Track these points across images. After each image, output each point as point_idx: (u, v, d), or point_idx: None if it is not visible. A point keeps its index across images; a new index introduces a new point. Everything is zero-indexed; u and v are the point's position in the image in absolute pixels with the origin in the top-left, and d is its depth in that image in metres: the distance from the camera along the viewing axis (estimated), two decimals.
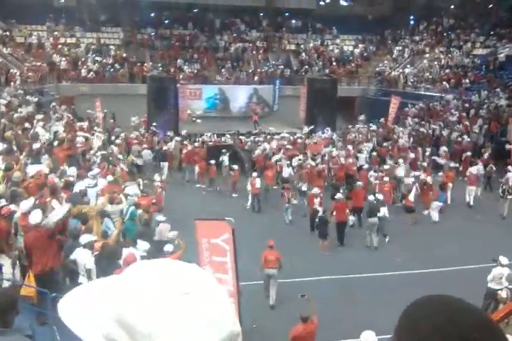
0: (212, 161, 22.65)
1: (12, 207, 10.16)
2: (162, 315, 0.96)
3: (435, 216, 18.32)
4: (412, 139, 26.71)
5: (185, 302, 0.98)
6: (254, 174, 20.20)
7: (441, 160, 23.00)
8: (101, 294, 1.03)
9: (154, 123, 28.35)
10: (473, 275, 12.11)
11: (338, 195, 16.65)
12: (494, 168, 21.46)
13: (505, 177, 19.55)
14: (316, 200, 16.86)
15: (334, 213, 16.23)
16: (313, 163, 21.79)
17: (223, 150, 23.70)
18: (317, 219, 15.99)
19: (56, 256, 8.90)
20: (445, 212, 18.79)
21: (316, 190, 17.31)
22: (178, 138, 26.18)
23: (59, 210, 9.68)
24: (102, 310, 1.00)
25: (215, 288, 1.05)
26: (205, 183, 22.86)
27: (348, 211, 16.65)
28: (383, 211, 16.40)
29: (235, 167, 21.84)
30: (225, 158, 23.20)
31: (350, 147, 24.48)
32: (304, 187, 19.05)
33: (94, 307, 1.01)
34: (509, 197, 18.67)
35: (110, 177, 14.30)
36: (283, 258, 12.52)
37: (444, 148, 24.58)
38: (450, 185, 20.07)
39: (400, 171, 21.18)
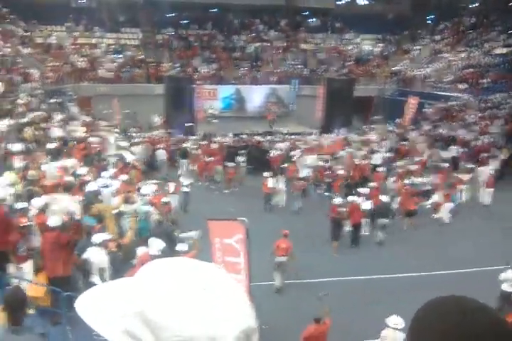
0: (207, 159, 22.85)
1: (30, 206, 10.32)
2: (182, 309, 0.99)
3: (447, 217, 18.07)
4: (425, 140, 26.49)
5: (203, 298, 1.01)
6: (266, 174, 20.13)
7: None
8: (119, 291, 1.06)
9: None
10: (487, 277, 11.97)
11: (352, 197, 16.48)
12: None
13: None
14: (339, 210, 16.06)
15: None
16: (322, 164, 21.92)
17: (240, 151, 23.82)
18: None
19: (67, 264, 8.81)
20: (458, 213, 18.53)
21: (339, 200, 16.48)
22: (194, 137, 26.40)
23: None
24: (122, 306, 1.03)
25: (231, 285, 1.07)
26: (207, 180, 22.92)
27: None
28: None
29: (230, 164, 22.33)
30: (242, 159, 23.31)
31: (365, 148, 24.43)
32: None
33: (113, 303, 1.04)
34: None
35: (124, 177, 14.38)
36: (296, 258, 12.59)
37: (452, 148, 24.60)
38: (463, 187, 19.85)
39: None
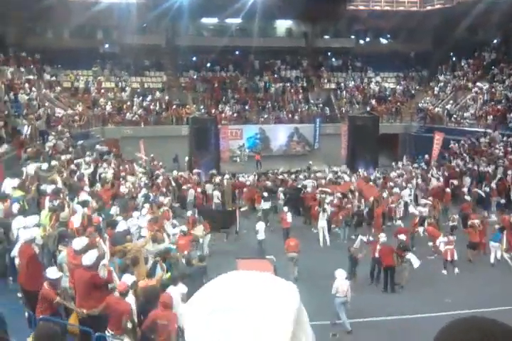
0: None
1: (60, 247, 10.29)
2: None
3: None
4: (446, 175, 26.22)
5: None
6: (285, 208, 20.01)
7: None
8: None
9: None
10: None
11: (383, 239, 15.54)
12: None
13: None
14: (379, 247, 15.51)
15: (376, 255, 15.45)
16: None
17: (280, 189, 23.94)
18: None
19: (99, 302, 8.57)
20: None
21: (382, 236, 15.87)
22: (227, 176, 26.62)
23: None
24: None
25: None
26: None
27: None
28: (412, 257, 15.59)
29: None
30: (282, 196, 23.49)
31: (391, 184, 24.25)
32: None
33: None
34: None
35: (150, 217, 14.40)
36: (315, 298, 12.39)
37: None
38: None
39: None
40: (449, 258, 16.37)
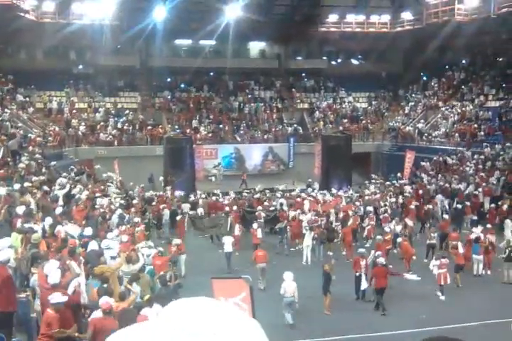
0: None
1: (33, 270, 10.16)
2: None
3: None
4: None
5: None
6: (255, 225, 20.24)
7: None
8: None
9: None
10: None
11: (381, 260, 15.12)
12: None
13: None
14: (362, 263, 15.54)
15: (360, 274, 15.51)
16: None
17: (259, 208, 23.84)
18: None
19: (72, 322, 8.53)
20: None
21: (362, 251, 16.19)
22: (203, 195, 26.55)
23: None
24: None
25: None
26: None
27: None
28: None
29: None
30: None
31: (357, 203, 24.56)
32: None
33: None
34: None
35: (125, 238, 14.30)
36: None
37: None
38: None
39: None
40: (442, 283, 15.79)
